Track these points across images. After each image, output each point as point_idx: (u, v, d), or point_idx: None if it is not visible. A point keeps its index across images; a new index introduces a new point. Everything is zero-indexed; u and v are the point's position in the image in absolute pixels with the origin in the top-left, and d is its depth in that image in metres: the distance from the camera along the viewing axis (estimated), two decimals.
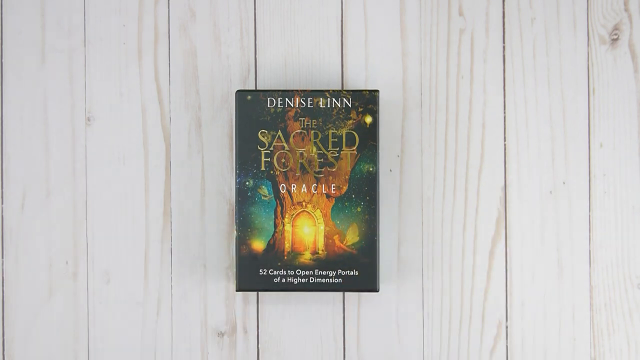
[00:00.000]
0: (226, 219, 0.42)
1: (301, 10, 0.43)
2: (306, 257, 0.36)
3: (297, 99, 0.37)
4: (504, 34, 0.42)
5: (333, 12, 0.43)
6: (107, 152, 0.43)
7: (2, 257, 0.43)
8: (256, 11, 0.43)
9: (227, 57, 0.43)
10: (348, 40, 0.43)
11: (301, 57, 0.43)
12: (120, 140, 0.43)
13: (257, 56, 0.43)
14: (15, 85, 0.44)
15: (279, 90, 0.37)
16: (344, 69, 0.42)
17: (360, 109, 0.37)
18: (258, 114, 0.37)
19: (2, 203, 0.43)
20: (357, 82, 0.42)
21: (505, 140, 0.42)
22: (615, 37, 0.42)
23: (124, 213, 0.43)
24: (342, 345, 0.41)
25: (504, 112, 0.42)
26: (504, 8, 0.42)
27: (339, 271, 0.36)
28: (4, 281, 0.43)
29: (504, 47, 0.42)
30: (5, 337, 0.43)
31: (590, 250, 0.42)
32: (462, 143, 0.42)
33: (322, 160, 0.36)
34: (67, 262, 0.43)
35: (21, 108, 0.44)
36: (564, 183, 0.42)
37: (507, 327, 0.42)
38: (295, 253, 0.36)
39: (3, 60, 0.44)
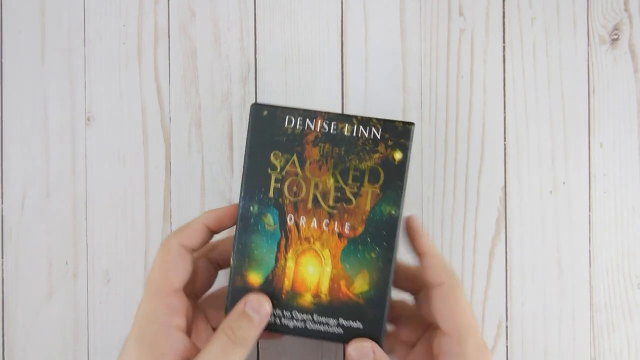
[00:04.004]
0: None
1: (301, 10, 0.43)
2: (306, 299, 0.32)
3: (319, 121, 0.31)
4: (504, 34, 0.42)
5: (333, 12, 0.43)
6: (107, 152, 0.43)
7: (2, 257, 0.43)
8: (256, 11, 0.43)
9: (227, 57, 0.43)
10: (348, 40, 0.43)
11: (301, 57, 0.43)
12: (120, 140, 0.43)
13: (257, 56, 0.43)
14: (15, 85, 0.44)
15: (299, 109, 0.31)
16: (343, 69, 0.42)
17: (390, 142, 0.31)
18: (273, 132, 0.31)
19: (2, 203, 0.43)
20: (357, 81, 0.42)
21: (505, 140, 0.42)
22: (615, 37, 0.42)
23: (124, 213, 0.43)
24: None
25: (504, 112, 0.42)
26: (504, 8, 0.42)
27: (341, 320, 0.32)
28: (4, 281, 0.43)
29: (504, 47, 0.42)
30: (5, 337, 0.43)
31: (590, 250, 0.42)
32: (462, 143, 0.42)
33: (338, 194, 0.31)
34: (67, 262, 0.43)
35: (21, 108, 0.44)
36: (564, 183, 0.42)
37: (507, 327, 0.42)
38: (294, 293, 0.32)
39: (3, 60, 0.44)
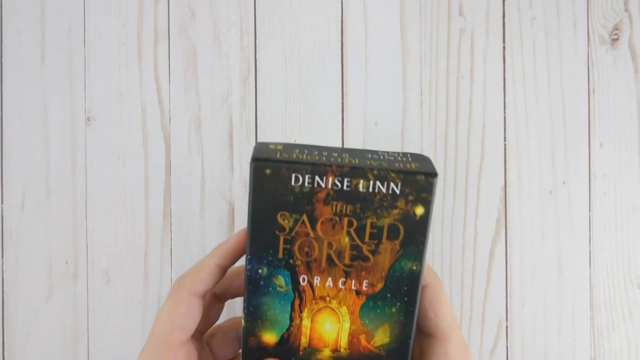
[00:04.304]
0: (226, 219, 0.42)
1: (301, 10, 0.43)
2: (325, 354, 0.30)
3: (330, 178, 0.27)
4: (504, 34, 0.42)
5: (333, 12, 0.43)
6: (107, 152, 0.43)
7: (2, 257, 0.43)
8: (256, 11, 0.43)
9: (227, 57, 0.43)
10: (348, 40, 0.42)
11: (301, 57, 0.43)
12: (120, 140, 0.43)
13: (257, 56, 0.43)
14: (15, 85, 0.44)
15: (307, 164, 0.27)
16: (343, 69, 0.42)
17: (410, 197, 0.28)
18: (279, 191, 0.28)
19: (2, 203, 0.43)
20: (357, 81, 0.42)
21: (505, 140, 0.42)
22: (615, 37, 0.42)
23: (123, 213, 0.43)
24: None
25: (504, 112, 0.42)
26: (504, 8, 0.42)
27: None
28: (4, 281, 0.43)
29: (504, 47, 0.42)
30: (5, 337, 0.43)
31: (590, 250, 0.41)
32: (462, 143, 0.42)
33: (354, 252, 0.28)
34: (67, 262, 0.43)
35: (21, 108, 0.44)
36: (564, 183, 0.42)
37: (507, 327, 0.42)
38: (312, 349, 0.30)
39: (3, 60, 0.44)
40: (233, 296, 0.33)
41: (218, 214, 0.42)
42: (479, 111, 0.42)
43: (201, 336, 0.33)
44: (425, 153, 0.42)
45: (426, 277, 0.30)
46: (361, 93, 0.42)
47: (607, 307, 0.41)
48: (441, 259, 0.42)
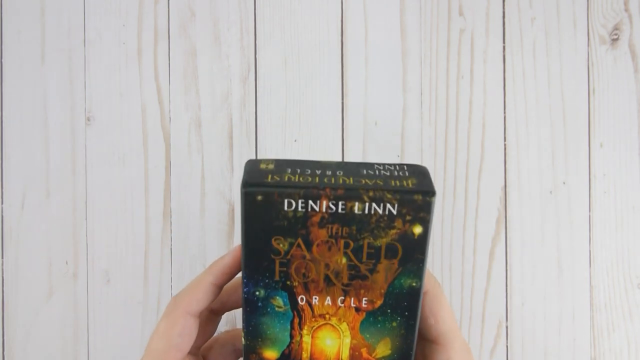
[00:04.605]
0: (226, 219, 0.42)
1: (301, 10, 0.43)
2: None
3: (324, 202, 0.26)
4: (504, 34, 0.42)
5: (333, 12, 0.43)
6: (107, 152, 0.43)
7: (2, 257, 0.43)
8: (256, 11, 0.43)
9: (227, 57, 0.43)
10: (348, 40, 0.42)
11: (301, 57, 0.43)
12: (120, 140, 0.43)
13: (257, 56, 0.43)
14: (15, 85, 0.44)
15: (300, 187, 0.26)
16: (343, 69, 0.42)
17: (408, 217, 0.27)
18: (272, 217, 0.27)
19: (2, 203, 0.43)
20: (357, 81, 0.42)
21: (505, 140, 0.42)
22: (615, 37, 0.42)
23: (123, 213, 0.43)
24: None
25: (504, 112, 0.42)
26: (504, 8, 0.42)
27: None
28: (4, 281, 0.43)
29: (504, 47, 0.42)
30: (5, 337, 0.43)
31: (590, 250, 0.41)
32: (462, 143, 0.42)
33: (352, 272, 0.28)
34: (67, 262, 0.43)
35: (21, 108, 0.44)
36: (564, 183, 0.42)
37: (507, 327, 0.42)
38: None
39: (3, 60, 0.44)
40: (230, 309, 0.33)
41: (218, 214, 0.42)
42: (479, 111, 0.42)
43: (198, 350, 0.33)
44: (425, 153, 0.42)
45: (426, 283, 0.29)
46: (361, 93, 0.42)
47: (607, 307, 0.41)
48: (441, 259, 0.42)
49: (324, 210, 0.27)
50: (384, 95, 0.42)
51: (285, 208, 0.27)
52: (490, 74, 0.42)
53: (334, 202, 0.26)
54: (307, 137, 0.42)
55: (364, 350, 0.29)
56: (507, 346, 0.42)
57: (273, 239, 0.27)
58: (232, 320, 0.42)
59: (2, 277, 0.43)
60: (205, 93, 0.43)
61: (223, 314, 0.34)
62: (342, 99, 0.42)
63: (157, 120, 0.43)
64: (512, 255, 0.42)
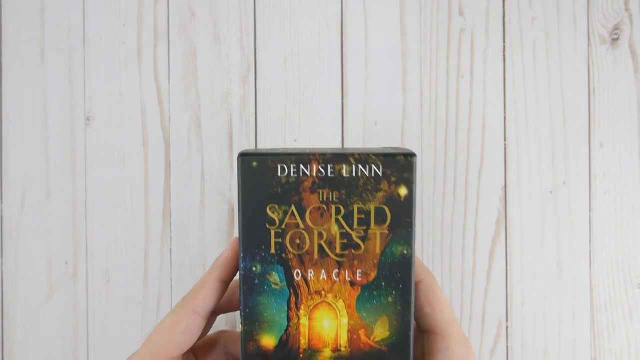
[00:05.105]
0: (226, 219, 0.42)
1: (301, 10, 0.43)
2: (326, 355, 0.30)
3: (314, 166, 0.29)
4: (504, 34, 0.42)
5: (333, 12, 0.43)
6: (107, 152, 0.43)
7: (2, 257, 0.43)
8: (256, 11, 0.43)
9: (227, 57, 0.43)
10: (348, 40, 0.42)
11: (301, 57, 0.43)
12: (120, 140, 0.43)
13: (257, 56, 0.43)
14: (15, 85, 0.44)
15: (291, 155, 0.29)
16: (343, 69, 0.42)
17: (392, 179, 0.29)
18: (267, 184, 0.29)
19: (2, 203, 0.43)
20: (357, 81, 0.42)
21: (505, 140, 0.42)
22: (615, 37, 0.42)
23: (123, 213, 0.43)
24: None
25: (504, 112, 0.42)
26: (504, 8, 0.42)
27: None
28: (4, 281, 0.43)
29: (504, 47, 0.42)
30: (5, 337, 0.43)
31: (590, 250, 0.41)
32: (462, 143, 0.42)
33: (345, 240, 0.29)
34: (67, 262, 0.43)
35: (21, 108, 0.44)
36: (564, 183, 0.42)
37: (507, 327, 0.42)
38: (313, 350, 0.30)
39: (3, 60, 0.44)
40: (227, 311, 0.34)
41: (218, 214, 0.42)
42: (479, 111, 0.42)
43: (189, 351, 0.33)
44: (425, 153, 0.42)
45: (419, 273, 0.30)
46: (361, 93, 0.42)
47: (607, 307, 0.41)
48: (441, 259, 0.42)
49: (314, 174, 0.29)
50: (384, 95, 0.42)
51: (279, 174, 0.29)
52: (490, 74, 0.42)
53: (323, 165, 0.29)
54: (307, 137, 0.42)
55: (362, 333, 0.30)
56: (507, 346, 0.42)
57: (268, 207, 0.29)
58: (233, 320, 0.42)
59: (2, 277, 0.43)
60: (205, 93, 0.43)
61: (219, 314, 0.34)
62: (342, 99, 0.42)
63: (157, 120, 0.43)
64: (512, 255, 0.42)
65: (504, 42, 0.42)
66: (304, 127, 0.42)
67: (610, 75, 0.42)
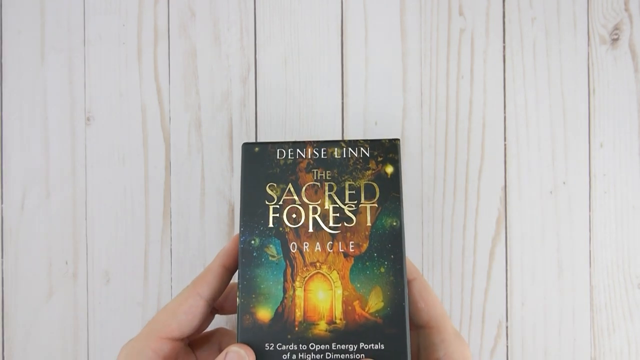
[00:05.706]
0: (226, 219, 0.42)
1: (301, 10, 0.43)
2: (321, 327, 0.30)
3: (309, 149, 0.33)
4: (504, 34, 0.42)
5: (333, 12, 0.43)
6: (107, 151, 0.43)
7: (2, 257, 0.43)
8: (256, 11, 0.43)
9: (227, 57, 0.43)
10: (348, 40, 0.42)
11: (301, 57, 0.43)
12: (120, 140, 0.43)
13: (257, 56, 0.43)
14: (15, 85, 0.44)
15: (289, 142, 0.33)
16: (343, 69, 0.42)
17: (379, 158, 0.32)
18: (266, 166, 0.33)
19: (2, 203, 0.43)
20: (357, 81, 0.42)
21: (505, 140, 0.42)
22: (615, 37, 0.42)
23: (123, 213, 0.43)
24: None
25: (504, 112, 0.42)
26: (504, 8, 0.42)
27: (361, 344, 0.30)
28: (4, 281, 0.43)
29: (504, 47, 0.42)
30: (5, 337, 0.43)
31: (590, 250, 0.41)
32: (462, 143, 0.42)
33: (337, 214, 0.32)
34: (67, 262, 0.43)
35: (21, 108, 0.44)
36: (564, 183, 0.42)
37: (507, 327, 0.42)
38: (308, 323, 0.30)
39: (3, 60, 0.44)
40: (225, 312, 0.35)
41: (218, 214, 0.42)
42: (479, 111, 0.42)
43: (187, 339, 0.34)
44: (425, 153, 0.42)
45: (411, 272, 0.32)
46: (361, 93, 0.42)
47: (607, 307, 0.41)
48: (441, 259, 0.42)
49: (309, 156, 0.33)
50: (384, 95, 0.42)
51: (278, 157, 0.33)
52: (490, 73, 0.42)
53: (317, 149, 0.33)
54: (307, 137, 0.42)
55: (356, 304, 0.31)
56: (507, 346, 0.42)
57: (267, 186, 0.32)
58: (233, 320, 0.42)
59: (2, 277, 0.43)
60: (205, 93, 0.43)
61: (217, 313, 0.35)
62: (342, 99, 0.42)
63: (157, 120, 0.43)
64: (512, 255, 0.42)
65: (504, 42, 0.42)
66: (304, 127, 0.42)
67: (610, 75, 0.42)
